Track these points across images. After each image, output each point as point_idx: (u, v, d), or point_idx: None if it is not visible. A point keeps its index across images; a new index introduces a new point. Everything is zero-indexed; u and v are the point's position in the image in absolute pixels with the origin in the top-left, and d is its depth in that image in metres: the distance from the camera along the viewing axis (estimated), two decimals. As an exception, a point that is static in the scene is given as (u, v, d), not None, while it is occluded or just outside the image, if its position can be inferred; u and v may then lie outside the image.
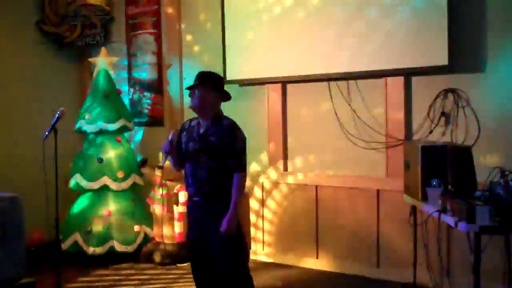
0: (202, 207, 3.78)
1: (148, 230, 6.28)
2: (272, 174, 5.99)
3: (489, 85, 4.79)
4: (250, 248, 5.86)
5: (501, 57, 4.71)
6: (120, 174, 6.14)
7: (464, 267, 3.47)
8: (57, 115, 4.43)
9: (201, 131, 3.80)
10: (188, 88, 3.83)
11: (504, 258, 3.90)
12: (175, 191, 5.96)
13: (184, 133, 3.91)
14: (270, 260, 6.00)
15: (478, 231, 3.16)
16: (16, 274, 4.88)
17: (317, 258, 5.73)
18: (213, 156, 3.72)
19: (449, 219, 3.40)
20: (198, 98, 3.76)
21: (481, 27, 4.78)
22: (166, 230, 5.99)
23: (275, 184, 6.00)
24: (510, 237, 3.84)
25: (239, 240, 3.82)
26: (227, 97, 3.91)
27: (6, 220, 4.88)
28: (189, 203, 3.94)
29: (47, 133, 4.38)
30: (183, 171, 3.95)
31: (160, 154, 6.18)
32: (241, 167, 3.77)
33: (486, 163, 4.55)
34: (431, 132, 5.04)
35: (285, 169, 5.96)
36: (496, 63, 4.74)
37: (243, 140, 3.83)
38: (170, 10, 6.65)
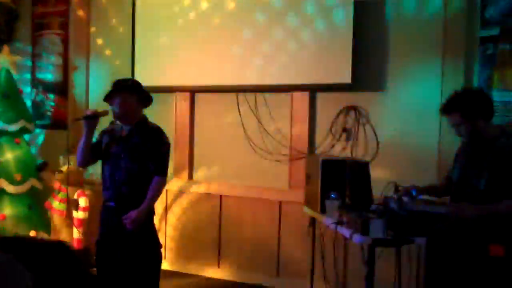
0: (117, 213, 3.70)
1: (45, 236, 6.07)
2: (177, 182, 5.96)
3: (389, 104, 5.02)
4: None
5: (401, 78, 4.97)
6: (17, 177, 5.91)
7: (360, 278, 3.59)
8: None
9: (124, 134, 3.76)
10: (107, 97, 3.76)
11: (396, 269, 4.07)
12: (75, 196, 5.81)
13: (106, 134, 3.85)
14: (172, 268, 5.96)
15: (372, 243, 3.29)
16: None
17: (219, 267, 5.76)
18: (134, 159, 3.69)
19: (345, 231, 3.52)
20: (119, 105, 3.70)
21: (384, 49, 5.02)
22: (64, 237, 5.82)
23: (180, 193, 5.98)
24: (401, 249, 4.02)
25: (154, 251, 3.78)
26: (148, 100, 3.89)
27: None
28: (103, 209, 3.85)
29: None
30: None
31: (61, 158, 6.02)
32: (162, 171, 3.76)
33: (383, 178, 4.75)
34: (332, 146, 5.21)
35: (190, 177, 5.96)
36: (396, 83, 4.99)
37: (167, 144, 3.83)
38: (80, 12, 6.50)
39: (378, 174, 4.77)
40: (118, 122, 3.85)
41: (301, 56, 5.27)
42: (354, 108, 5.14)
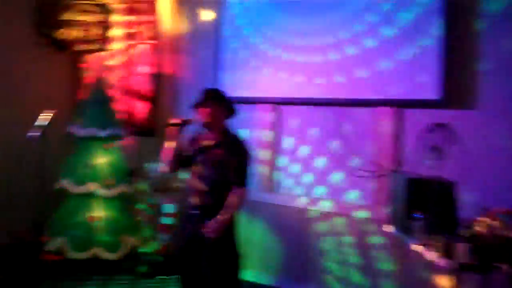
0: (200, 221, 3.76)
1: (132, 239, 6.26)
2: (260, 194, 5.96)
3: (481, 122, 4.82)
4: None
5: (495, 94, 4.75)
6: (108, 181, 6.13)
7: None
8: (44, 117, 4.41)
9: (209, 143, 3.84)
10: (196, 106, 3.85)
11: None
12: (161, 202, 5.97)
13: (191, 142, 3.95)
14: (256, 280, 5.97)
15: (457, 267, 3.18)
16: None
17: (305, 282, 5.73)
18: (217, 168, 3.75)
19: (428, 253, 3.42)
20: (207, 114, 3.80)
21: (476, 66, 4.83)
22: (151, 241, 5.99)
23: (263, 205, 5.97)
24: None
25: (233, 262, 3.82)
26: (233, 112, 3.96)
27: None
28: (187, 215, 3.92)
29: (31, 134, 4.36)
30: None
31: (149, 164, 6.20)
32: (243, 182, 3.78)
33: (473, 200, 4.58)
34: (420, 165, 5.06)
35: (273, 190, 5.98)
36: (489, 100, 4.77)
37: (248, 155, 3.87)
38: (168, 22, 6.69)
39: (468, 196, 4.60)
40: (203, 131, 3.92)
41: (387, 70, 5.18)
42: (444, 125, 4.98)
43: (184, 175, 4.14)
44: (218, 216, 3.69)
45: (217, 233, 3.66)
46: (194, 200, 3.83)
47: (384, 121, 5.25)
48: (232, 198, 3.74)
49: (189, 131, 4.02)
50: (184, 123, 3.84)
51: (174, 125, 3.80)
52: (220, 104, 3.87)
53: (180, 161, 3.92)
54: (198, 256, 3.80)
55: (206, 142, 3.88)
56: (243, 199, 3.83)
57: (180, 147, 3.91)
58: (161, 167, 4.01)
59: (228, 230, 3.82)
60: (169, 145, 3.86)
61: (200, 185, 3.79)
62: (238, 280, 3.90)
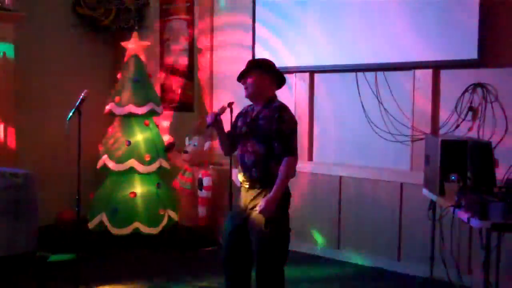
0: (248, 195, 3.68)
1: (172, 213, 6.36)
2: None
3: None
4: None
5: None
6: (147, 157, 6.21)
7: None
8: (80, 97, 4.49)
9: (253, 115, 3.74)
10: (239, 77, 3.75)
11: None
12: (199, 175, 6.02)
13: (241, 117, 3.84)
14: (290, 248, 5.98)
15: (490, 227, 3.10)
16: (28, 249, 5.04)
17: (338, 249, 5.72)
18: (260, 140, 3.61)
19: (462, 215, 3.35)
20: (250, 85, 3.67)
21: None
22: (190, 214, 6.06)
23: (300, 174, 5.95)
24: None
25: (284, 235, 3.68)
26: (281, 81, 3.81)
27: (20, 196, 5.04)
28: (240, 190, 3.82)
29: (70, 114, 4.44)
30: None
31: (187, 138, 6.26)
32: (290, 151, 3.59)
33: (510, 160, 4.45)
34: (457, 126, 4.97)
35: (310, 158, 5.94)
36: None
37: (292, 123, 3.67)
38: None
39: (507, 156, 4.48)
40: (251, 105, 3.83)
41: (423, 32, 5.06)
42: (482, 85, 4.85)
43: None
44: (270, 194, 3.58)
45: (271, 211, 3.56)
46: (242, 175, 3.75)
47: (422, 83, 5.13)
48: (282, 170, 3.56)
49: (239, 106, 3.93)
50: (218, 115, 3.75)
51: (210, 126, 3.73)
52: (264, 73, 3.70)
53: (233, 141, 3.86)
54: (245, 232, 3.72)
55: (251, 114, 3.78)
56: (293, 169, 3.64)
57: (224, 132, 3.83)
58: (200, 140, 3.93)
59: (283, 202, 3.66)
60: (219, 138, 3.82)
61: (245, 159, 3.71)
62: (286, 253, 3.79)
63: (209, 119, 3.72)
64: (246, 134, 3.69)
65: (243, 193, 3.74)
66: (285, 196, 3.66)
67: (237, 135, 3.78)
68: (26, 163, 5.80)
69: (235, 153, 3.90)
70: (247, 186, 3.69)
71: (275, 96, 3.79)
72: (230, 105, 3.89)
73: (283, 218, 3.66)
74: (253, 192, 3.65)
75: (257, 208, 3.53)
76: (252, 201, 3.64)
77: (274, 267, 3.63)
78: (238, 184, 3.80)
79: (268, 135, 3.59)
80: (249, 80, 3.68)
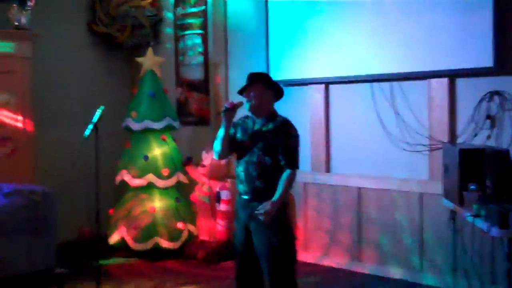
0: (250, 206, 3.74)
1: (192, 227, 6.37)
2: (315, 175, 5.98)
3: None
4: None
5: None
6: (165, 172, 6.24)
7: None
8: (97, 113, 4.53)
9: (256, 127, 3.80)
10: (242, 90, 3.83)
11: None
12: (217, 189, 6.03)
13: (238, 128, 3.90)
14: (311, 261, 5.98)
15: (511, 236, 3.07)
16: (47, 266, 5.07)
17: (360, 261, 5.68)
18: (267, 152, 3.70)
19: (482, 224, 3.32)
20: (254, 98, 3.76)
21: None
22: (209, 228, 6.07)
23: (318, 186, 5.97)
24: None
25: (289, 243, 3.78)
26: (280, 94, 3.90)
27: (38, 213, 5.10)
28: (238, 202, 3.92)
29: (88, 130, 4.49)
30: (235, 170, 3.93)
31: (204, 153, 6.27)
32: (293, 164, 3.73)
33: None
34: (475, 135, 4.93)
35: (327, 170, 5.94)
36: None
37: (297, 137, 3.81)
38: (217, 11, 6.73)
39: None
40: (250, 115, 3.89)
41: (437, 41, 5.04)
42: (499, 93, 4.82)
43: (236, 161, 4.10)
44: (274, 199, 3.65)
45: (271, 215, 3.63)
46: (243, 186, 3.82)
47: (438, 92, 5.12)
48: (284, 181, 3.69)
49: (236, 116, 4.00)
50: (235, 107, 3.81)
51: (226, 110, 3.78)
52: (266, 87, 3.82)
53: (231, 146, 3.92)
54: (251, 243, 3.79)
55: (253, 127, 3.85)
56: (294, 180, 3.77)
57: (229, 132, 3.89)
58: (214, 154, 3.99)
59: (283, 211, 3.78)
60: (222, 132, 3.85)
61: (249, 171, 3.77)
62: (294, 261, 3.85)
63: (228, 104, 3.77)
64: (251, 146, 3.75)
65: (242, 204, 3.82)
66: (284, 205, 3.77)
67: (238, 145, 3.84)
68: (45, 180, 5.83)
69: (224, 159, 4.01)
70: (248, 197, 3.76)
71: (275, 110, 3.89)
72: (241, 104, 3.93)
73: (287, 225, 3.80)
74: (255, 203, 3.70)
75: (260, 210, 3.60)
76: (254, 211, 3.69)
77: (285, 272, 3.71)
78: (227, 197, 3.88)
79: (275, 148, 3.70)
80: (254, 93, 3.76)
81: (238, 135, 3.87)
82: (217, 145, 3.88)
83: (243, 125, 3.89)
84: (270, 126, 3.76)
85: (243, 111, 3.85)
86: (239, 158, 3.85)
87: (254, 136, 3.78)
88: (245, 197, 3.79)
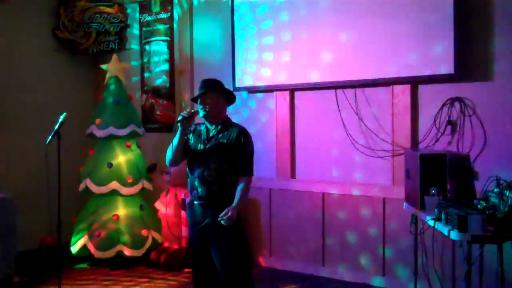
0: (205, 211, 3.77)
1: (156, 235, 6.32)
2: (279, 181, 6.00)
3: (496, 94, 4.73)
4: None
5: (509, 66, 4.66)
6: (129, 179, 6.19)
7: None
8: (59, 120, 4.48)
9: (212, 134, 3.83)
10: (197, 97, 3.84)
11: (499, 267, 3.81)
12: (182, 196, 6.00)
13: (191, 135, 3.93)
14: (276, 266, 5.98)
15: (470, 240, 3.12)
16: (6, 275, 5.00)
17: (323, 265, 5.71)
18: (223, 158, 3.74)
19: (442, 228, 3.37)
20: (209, 105, 3.78)
21: (489, 36, 4.74)
22: (173, 235, 6.03)
23: (282, 191, 5.99)
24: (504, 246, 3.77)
25: (243, 246, 3.81)
26: (232, 101, 3.95)
27: None
28: (190, 208, 3.92)
29: (50, 137, 4.43)
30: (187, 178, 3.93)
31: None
32: (249, 171, 3.81)
33: (491, 172, 4.49)
34: (437, 140, 5.01)
35: (292, 176, 5.96)
36: (503, 72, 4.69)
37: (252, 145, 3.88)
38: (182, 18, 6.72)
39: (486, 168, 4.52)
40: (202, 122, 3.90)
41: (400, 48, 5.12)
42: (460, 99, 4.91)
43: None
44: (234, 204, 3.67)
45: (233, 220, 3.65)
46: (197, 191, 3.82)
47: (400, 99, 5.19)
48: (241, 187, 3.74)
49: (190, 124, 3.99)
50: (193, 115, 3.82)
51: (184, 119, 3.78)
52: (219, 94, 3.85)
53: (183, 153, 3.92)
54: (207, 246, 3.79)
55: (206, 133, 3.86)
56: (250, 188, 3.83)
57: (184, 140, 3.90)
58: (166, 161, 3.98)
59: (238, 218, 3.80)
60: (176, 140, 3.85)
61: (206, 176, 3.77)
62: (250, 262, 3.89)
63: (186, 113, 3.77)
64: (207, 152, 3.77)
65: (195, 210, 3.83)
66: (239, 212, 3.80)
67: (192, 152, 3.86)
68: (5, 187, 5.73)
69: (176, 166, 3.97)
70: (203, 201, 3.78)
71: (228, 116, 3.94)
72: (198, 112, 3.93)
73: (241, 228, 3.82)
74: (210, 208, 3.74)
75: (222, 216, 3.60)
76: (209, 216, 3.73)
77: (241, 273, 3.76)
78: (190, 202, 3.87)
79: (231, 154, 3.75)
80: (209, 101, 3.79)
81: (192, 142, 3.88)
82: (169, 153, 3.88)
83: (196, 133, 3.90)
84: (226, 133, 3.80)
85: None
86: (193, 164, 3.84)
87: (210, 142, 3.80)
88: (200, 201, 3.79)
